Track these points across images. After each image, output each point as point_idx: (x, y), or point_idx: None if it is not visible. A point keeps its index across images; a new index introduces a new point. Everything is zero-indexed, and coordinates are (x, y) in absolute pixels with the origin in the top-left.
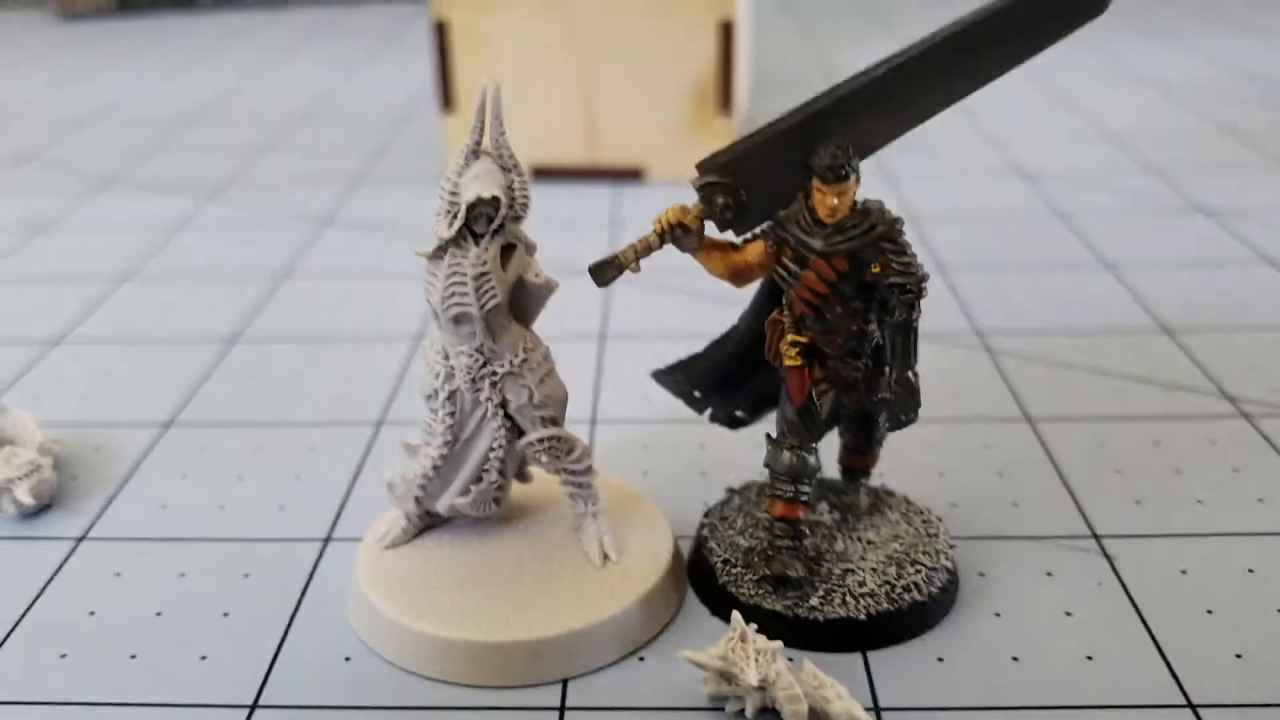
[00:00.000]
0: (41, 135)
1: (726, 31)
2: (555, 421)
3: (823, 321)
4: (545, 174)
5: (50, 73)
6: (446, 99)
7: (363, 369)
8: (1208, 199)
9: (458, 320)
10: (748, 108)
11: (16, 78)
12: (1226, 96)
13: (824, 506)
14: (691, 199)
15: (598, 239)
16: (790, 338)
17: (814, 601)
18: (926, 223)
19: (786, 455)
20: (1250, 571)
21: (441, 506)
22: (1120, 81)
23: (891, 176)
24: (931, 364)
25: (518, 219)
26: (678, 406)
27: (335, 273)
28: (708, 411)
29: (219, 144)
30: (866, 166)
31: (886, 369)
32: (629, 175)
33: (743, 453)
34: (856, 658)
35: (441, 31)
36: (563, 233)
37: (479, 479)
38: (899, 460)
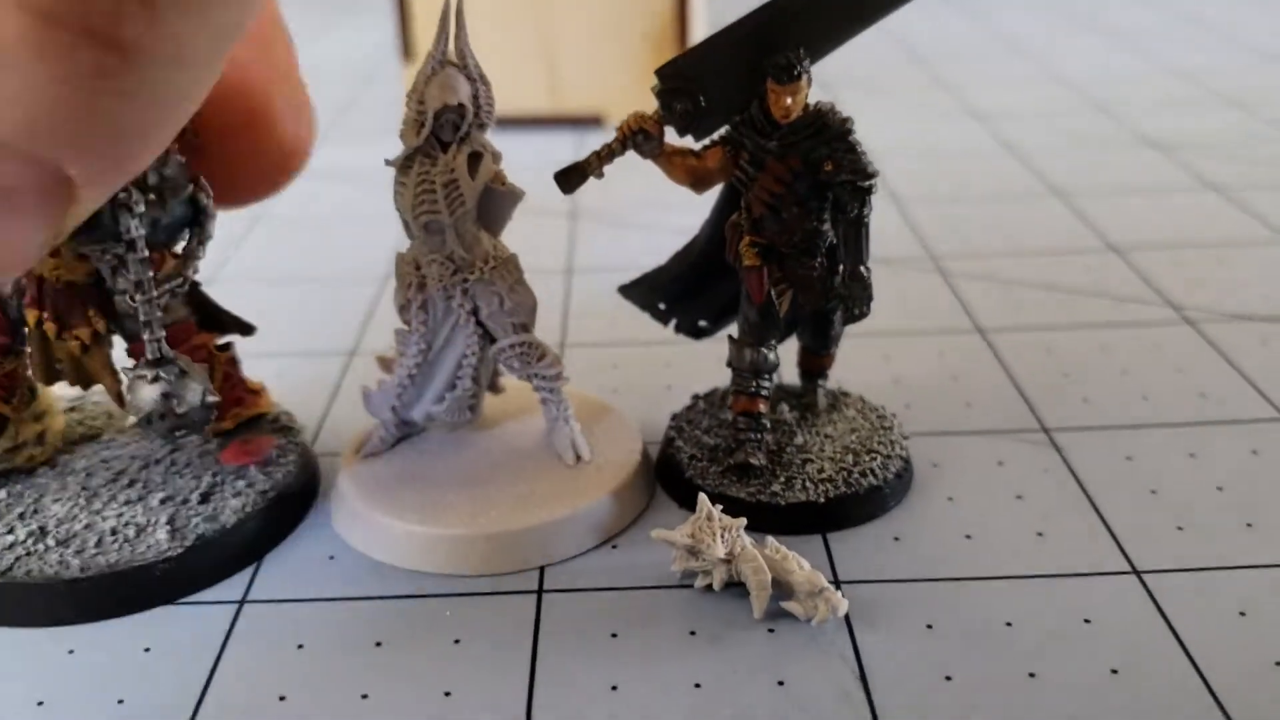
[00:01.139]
0: None
1: None
2: (526, 328)
3: (779, 221)
4: (508, 123)
5: None
6: (407, 49)
7: (337, 306)
8: (1154, 133)
9: (428, 228)
10: None
11: None
12: (1172, 39)
13: (784, 407)
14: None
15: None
16: (749, 239)
17: (775, 488)
18: (884, 158)
19: (747, 352)
20: (1192, 456)
21: (418, 415)
22: (1073, 30)
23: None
24: (886, 284)
25: (483, 127)
26: (644, 328)
27: (305, 219)
28: (672, 323)
29: None
30: None
31: (840, 265)
32: (590, 122)
33: (706, 368)
34: (817, 539)
35: None
36: (526, 179)
37: (453, 386)
38: (856, 369)
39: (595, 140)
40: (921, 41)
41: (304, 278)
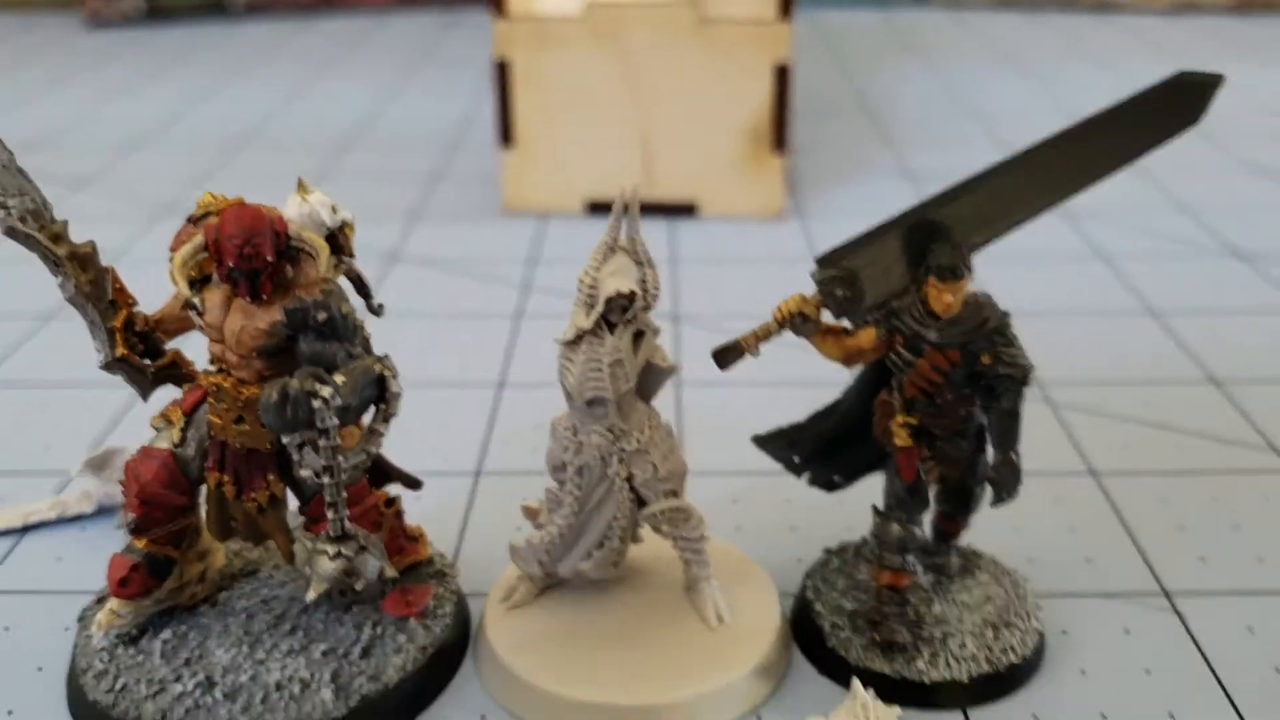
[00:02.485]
0: (93, 157)
1: (782, 74)
2: (676, 493)
3: (933, 406)
4: (601, 208)
5: (88, 87)
6: (506, 135)
7: (455, 416)
8: (1239, 241)
9: (592, 402)
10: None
11: (55, 93)
12: (1252, 131)
13: (918, 568)
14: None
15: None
16: (901, 419)
17: (920, 665)
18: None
19: (895, 528)
20: None
21: (564, 569)
22: None
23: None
24: None
25: (648, 308)
26: (760, 459)
27: (410, 313)
28: (805, 475)
29: (273, 171)
30: None
31: (989, 449)
32: (683, 210)
33: (828, 506)
34: (958, 716)
35: (503, 70)
36: None
37: (601, 544)
38: (977, 516)
39: (687, 228)
40: (1005, 127)
41: (419, 382)
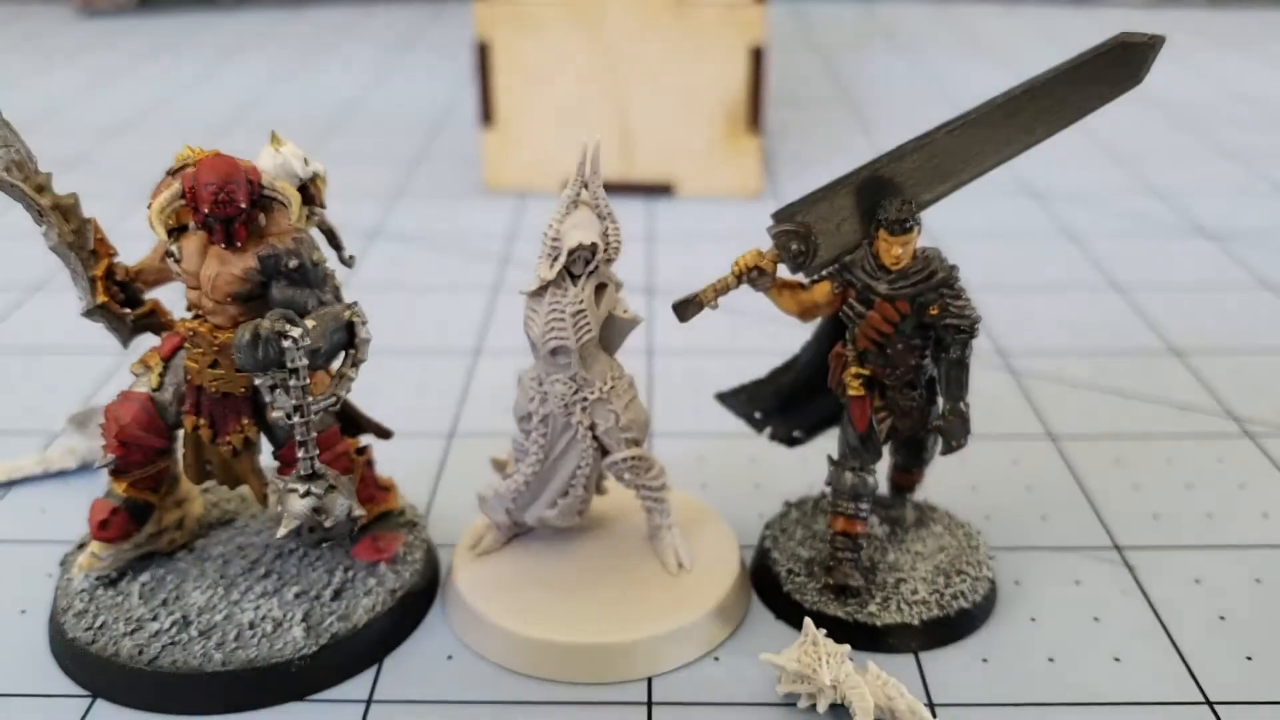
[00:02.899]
0: (83, 139)
1: (757, 56)
2: (637, 442)
3: (884, 356)
4: None
5: (79, 73)
6: (487, 114)
7: (431, 381)
8: (1208, 221)
9: (555, 351)
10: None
11: (47, 78)
12: (1225, 118)
13: (874, 520)
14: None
15: (632, 251)
16: (854, 370)
17: (872, 608)
18: (945, 241)
19: (848, 476)
20: (1258, 581)
21: (530, 518)
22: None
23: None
24: None
25: (610, 261)
26: (727, 421)
27: (390, 285)
28: (766, 430)
29: (259, 152)
30: None
31: (939, 399)
32: (660, 190)
33: (790, 465)
34: (909, 659)
35: (483, 51)
36: None
37: (566, 493)
38: (936, 476)
39: (664, 208)
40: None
41: (394, 350)
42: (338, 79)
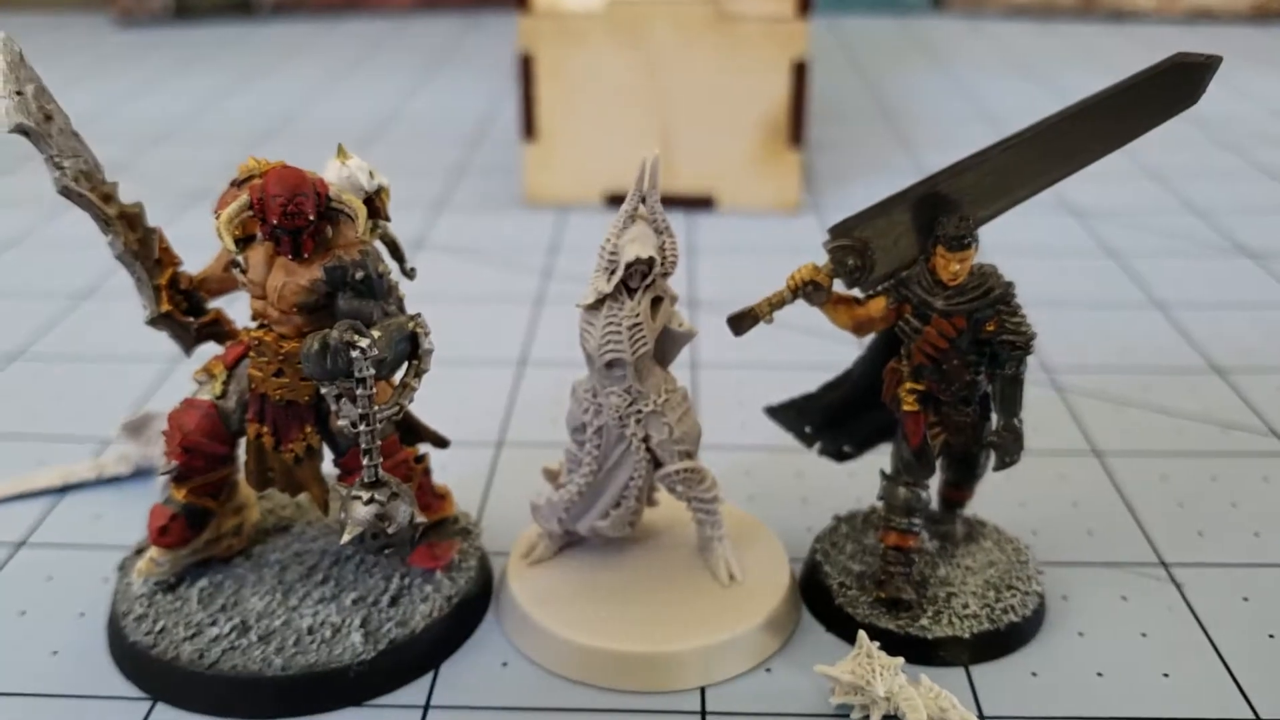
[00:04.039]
0: (121, 148)
1: (799, 71)
2: (690, 455)
3: (939, 372)
4: (621, 200)
5: (117, 82)
6: (529, 127)
7: (477, 391)
8: (1248, 239)
9: (611, 364)
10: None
11: (85, 87)
12: (1265, 136)
13: (925, 534)
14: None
15: None
16: (908, 385)
17: (924, 622)
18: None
19: (901, 491)
20: None
21: (582, 528)
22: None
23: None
24: None
25: (666, 275)
26: (773, 434)
27: (433, 296)
28: (816, 445)
29: (298, 163)
30: None
31: (993, 415)
32: (701, 203)
33: (837, 480)
34: (960, 672)
35: (526, 64)
36: None
37: (618, 504)
38: (984, 491)
39: (705, 221)
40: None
41: (442, 360)
42: (375, 91)
